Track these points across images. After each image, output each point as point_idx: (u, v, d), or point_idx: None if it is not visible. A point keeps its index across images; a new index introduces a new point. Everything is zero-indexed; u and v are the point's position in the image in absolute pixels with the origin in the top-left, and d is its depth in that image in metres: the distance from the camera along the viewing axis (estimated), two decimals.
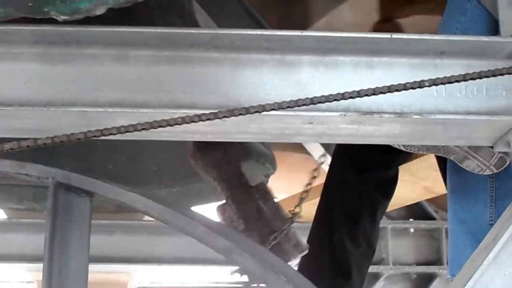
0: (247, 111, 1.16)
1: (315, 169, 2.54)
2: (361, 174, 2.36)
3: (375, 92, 1.19)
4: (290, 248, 2.32)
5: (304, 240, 2.43)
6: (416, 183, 2.89)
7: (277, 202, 2.48)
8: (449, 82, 1.24)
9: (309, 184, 2.53)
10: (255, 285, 2.22)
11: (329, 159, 2.58)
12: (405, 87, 1.19)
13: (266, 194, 2.41)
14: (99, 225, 2.77)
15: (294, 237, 2.34)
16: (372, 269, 2.67)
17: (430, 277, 3.35)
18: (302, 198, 2.49)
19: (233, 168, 2.31)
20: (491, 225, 1.61)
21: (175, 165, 2.57)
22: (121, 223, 3.19)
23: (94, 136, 1.15)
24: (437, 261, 3.31)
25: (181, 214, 1.36)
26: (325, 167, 2.63)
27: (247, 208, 2.27)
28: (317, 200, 2.45)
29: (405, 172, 2.49)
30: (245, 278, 2.43)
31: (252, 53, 1.35)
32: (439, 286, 3.34)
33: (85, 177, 1.18)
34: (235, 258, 1.30)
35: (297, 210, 2.42)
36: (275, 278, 1.36)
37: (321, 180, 2.54)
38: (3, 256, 3.00)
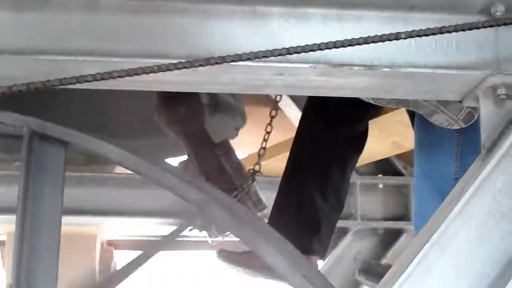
0: (223, 60, 1.17)
1: (273, 109, 2.54)
2: (331, 129, 2.37)
3: (344, 44, 1.20)
4: (251, 206, 2.35)
5: (264, 197, 2.48)
6: (386, 138, 2.91)
7: (239, 160, 2.51)
8: (425, 35, 1.26)
9: (267, 132, 2.55)
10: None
11: (290, 105, 2.59)
12: (381, 38, 1.21)
13: (228, 152, 2.44)
14: (69, 177, 2.75)
15: (255, 194, 2.38)
16: (340, 223, 2.70)
17: (398, 233, 3.39)
18: (260, 155, 2.51)
19: (197, 124, 2.32)
20: (457, 179, 1.62)
21: (142, 119, 2.56)
22: (91, 176, 3.19)
23: (70, 83, 1.15)
24: (405, 217, 3.35)
25: (156, 166, 1.36)
26: (294, 121, 2.64)
27: (209, 164, 2.29)
28: (286, 155, 2.46)
29: (374, 127, 2.50)
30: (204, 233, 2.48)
31: (222, 4, 1.35)
32: (406, 241, 3.38)
33: (61, 127, 1.19)
34: (207, 209, 1.32)
35: (256, 168, 2.45)
36: (247, 230, 1.38)
37: (290, 135, 2.55)
38: None
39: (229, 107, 2.39)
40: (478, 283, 1.53)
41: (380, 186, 3.40)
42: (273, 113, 2.54)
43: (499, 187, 1.55)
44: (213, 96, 2.28)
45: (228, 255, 2.40)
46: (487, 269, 1.51)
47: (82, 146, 1.28)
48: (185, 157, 2.43)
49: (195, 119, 2.29)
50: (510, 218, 1.55)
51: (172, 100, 2.23)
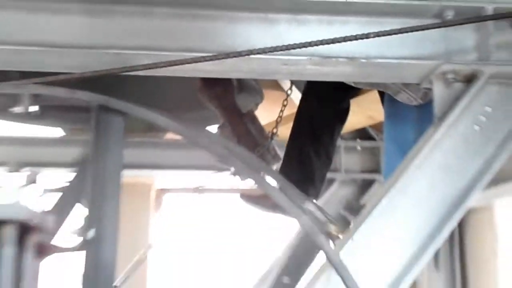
0: (239, 54, 1.23)
1: (285, 99, 2.58)
2: (323, 106, 2.40)
3: (332, 41, 1.26)
4: (270, 159, 2.41)
5: (281, 153, 2.52)
6: (363, 112, 2.92)
7: (262, 125, 2.55)
8: (389, 34, 1.30)
9: (282, 111, 2.58)
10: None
11: (295, 91, 2.61)
12: (359, 37, 1.27)
13: (253, 119, 2.50)
14: (131, 141, 2.80)
15: (273, 150, 2.44)
16: (329, 175, 2.71)
17: (371, 182, 3.40)
18: (277, 122, 2.54)
19: (229, 100, 2.39)
20: (415, 141, 1.63)
21: (188, 97, 2.61)
22: (148, 140, 3.20)
23: (129, 71, 1.19)
24: (377, 170, 3.35)
25: (194, 131, 1.39)
26: (295, 100, 2.66)
27: (239, 129, 2.36)
28: (290, 125, 2.49)
29: (354, 104, 2.51)
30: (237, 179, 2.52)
31: (242, 12, 1.40)
32: (378, 188, 3.41)
33: (121, 101, 1.21)
34: (229, 162, 1.35)
35: (274, 131, 2.49)
36: (259, 176, 1.41)
37: (293, 109, 2.57)
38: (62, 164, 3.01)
39: (252, 88, 2.46)
40: (432, 218, 1.55)
41: (358, 148, 3.41)
42: (285, 102, 2.58)
43: (447, 147, 1.56)
44: (239, 80, 2.35)
45: (248, 197, 2.46)
46: (438, 207, 1.53)
47: (138, 116, 1.30)
48: (221, 124, 2.51)
49: (228, 96, 2.37)
50: (454, 170, 1.57)
51: (211, 82, 2.32)
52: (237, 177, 2.47)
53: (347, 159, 3.34)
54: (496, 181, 2.08)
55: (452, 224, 1.55)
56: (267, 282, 3.14)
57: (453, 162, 1.56)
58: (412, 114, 2.07)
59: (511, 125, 1.51)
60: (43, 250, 1.00)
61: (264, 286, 3.15)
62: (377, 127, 3.19)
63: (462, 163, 1.56)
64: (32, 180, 1.43)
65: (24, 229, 0.87)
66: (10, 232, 0.83)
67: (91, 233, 1.32)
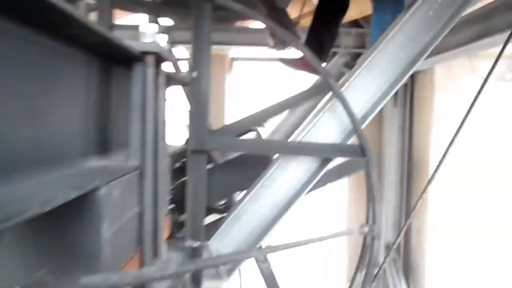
0: None
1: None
2: (331, 2, 2.28)
3: None
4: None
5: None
6: (356, 8, 2.76)
7: (291, 19, 2.48)
8: None
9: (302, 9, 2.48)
10: None
11: None
12: None
13: (287, 15, 2.42)
14: (217, 27, 2.73)
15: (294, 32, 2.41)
16: (334, 50, 2.65)
17: (360, 54, 3.28)
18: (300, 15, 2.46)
19: (271, 2, 2.31)
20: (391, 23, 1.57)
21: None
22: (227, 26, 3.14)
23: None
24: (364, 47, 3.21)
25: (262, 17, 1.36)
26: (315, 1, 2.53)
27: (277, 19, 2.28)
28: (310, 18, 2.40)
29: (352, 2, 2.37)
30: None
31: None
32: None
33: None
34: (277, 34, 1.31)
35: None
36: (296, 43, 1.39)
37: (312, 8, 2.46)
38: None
39: None
40: (395, 70, 1.56)
41: (353, 32, 3.24)
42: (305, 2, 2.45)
43: (410, 28, 1.52)
44: None
45: (285, 60, 2.43)
46: (399, 66, 1.54)
47: (223, 4, 1.26)
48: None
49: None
50: (410, 44, 1.53)
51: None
52: (280, 49, 2.45)
53: (345, 39, 3.21)
54: (436, 51, 2.02)
55: (406, 76, 1.56)
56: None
57: (410, 37, 1.53)
58: (391, 5, 1.96)
59: (453, 10, 1.44)
60: (168, 80, 1.02)
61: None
62: (366, 18, 3.01)
63: (416, 38, 1.52)
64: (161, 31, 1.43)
65: (159, 59, 0.83)
66: (151, 59, 0.79)
67: (194, 74, 1.38)
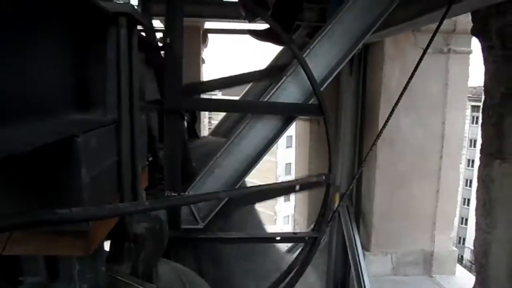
0: None
1: None
2: None
3: None
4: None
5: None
6: None
7: None
8: None
9: None
10: None
11: None
12: None
13: None
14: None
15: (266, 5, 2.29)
16: (297, 23, 2.57)
17: (320, 26, 3.23)
18: None
19: None
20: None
21: None
22: None
23: None
24: (324, 20, 3.12)
25: None
26: None
27: None
28: None
29: None
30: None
31: None
32: None
33: None
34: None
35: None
36: (265, 16, 1.34)
37: None
38: None
39: None
40: (350, 40, 1.55)
41: (315, 7, 3.08)
42: None
43: (363, 1, 1.50)
44: None
45: (254, 31, 2.36)
46: (348, 44, 1.53)
47: None
48: None
49: None
50: (366, 12, 1.52)
51: None
52: (251, 20, 2.35)
53: (307, 14, 3.12)
54: (385, 25, 2.02)
55: (359, 44, 1.56)
56: None
57: (363, 10, 1.52)
58: None
59: None
60: (143, 43, 0.96)
61: None
62: None
63: (368, 10, 1.52)
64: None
65: (132, 21, 0.79)
66: (124, 20, 0.76)
67: (167, 39, 1.34)
